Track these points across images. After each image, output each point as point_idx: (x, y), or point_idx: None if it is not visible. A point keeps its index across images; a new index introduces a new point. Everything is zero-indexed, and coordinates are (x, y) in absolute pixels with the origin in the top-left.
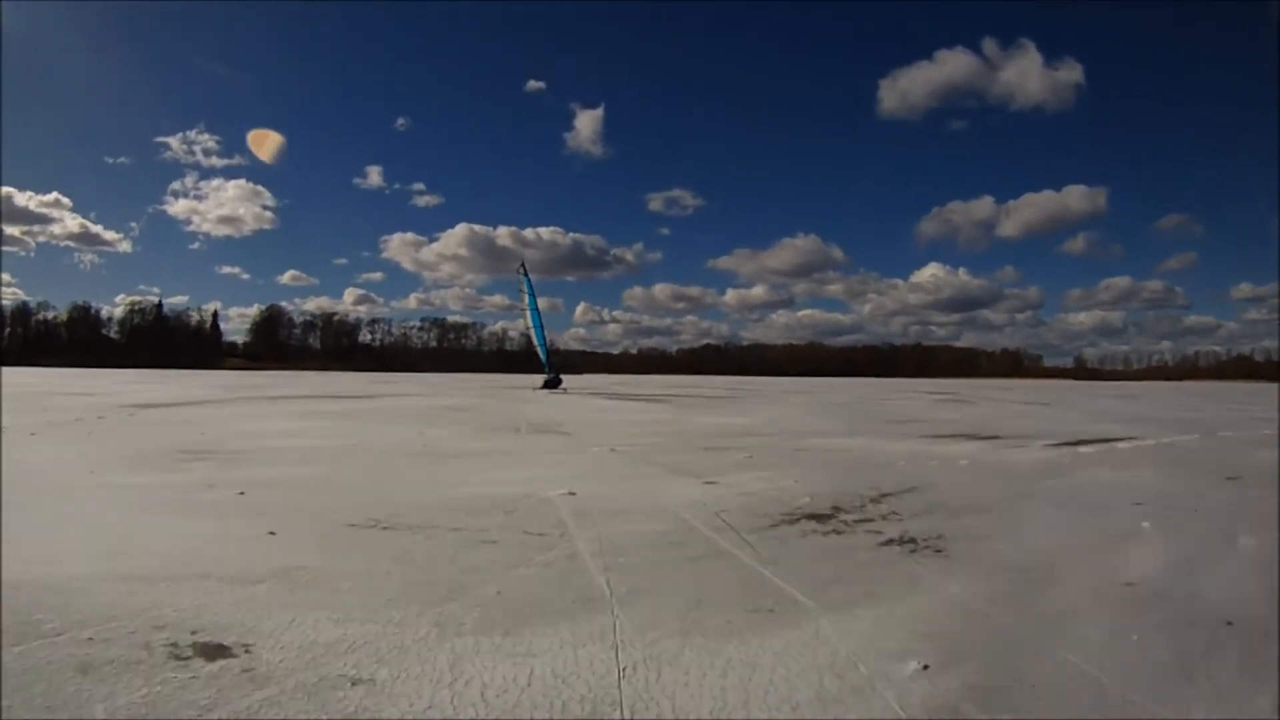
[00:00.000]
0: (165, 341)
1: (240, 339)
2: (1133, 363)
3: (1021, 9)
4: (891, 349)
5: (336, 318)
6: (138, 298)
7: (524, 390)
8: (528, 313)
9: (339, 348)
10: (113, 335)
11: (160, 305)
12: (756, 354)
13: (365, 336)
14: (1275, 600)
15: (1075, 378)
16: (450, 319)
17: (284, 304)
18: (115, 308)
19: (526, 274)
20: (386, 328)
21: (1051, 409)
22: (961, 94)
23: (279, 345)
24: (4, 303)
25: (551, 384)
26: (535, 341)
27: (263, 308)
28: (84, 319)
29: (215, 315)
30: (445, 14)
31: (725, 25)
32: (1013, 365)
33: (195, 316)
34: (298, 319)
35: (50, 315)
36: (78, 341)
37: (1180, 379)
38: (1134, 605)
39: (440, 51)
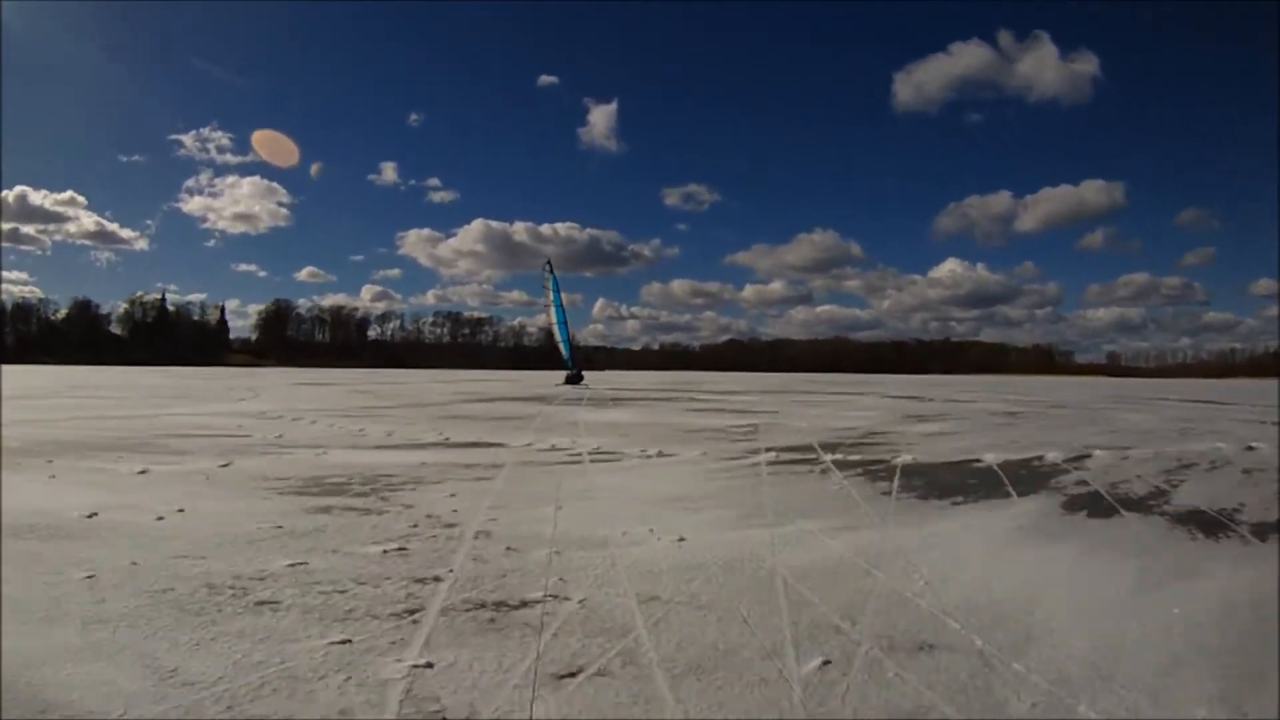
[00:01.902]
0: (168, 338)
1: (253, 335)
2: (1167, 359)
3: (1036, 1)
4: (920, 344)
5: (345, 312)
6: (143, 295)
7: (528, 413)
8: (552, 309)
9: (347, 343)
10: (118, 332)
11: (164, 300)
12: (781, 350)
13: (375, 332)
14: None
15: (1109, 374)
16: (467, 314)
17: (302, 300)
18: (124, 305)
19: (553, 272)
20: (399, 322)
21: None
22: (977, 86)
23: (286, 341)
24: (3, 299)
25: (573, 380)
26: (559, 339)
27: (269, 303)
28: (84, 316)
29: (223, 311)
30: (456, 8)
31: (738, 19)
32: (1044, 362)
33: (198, 312)
34: (307, 314)
35: (54, 313)
36: (78, 339)
37: (1220, 376)
38: None
39: (451, 45)
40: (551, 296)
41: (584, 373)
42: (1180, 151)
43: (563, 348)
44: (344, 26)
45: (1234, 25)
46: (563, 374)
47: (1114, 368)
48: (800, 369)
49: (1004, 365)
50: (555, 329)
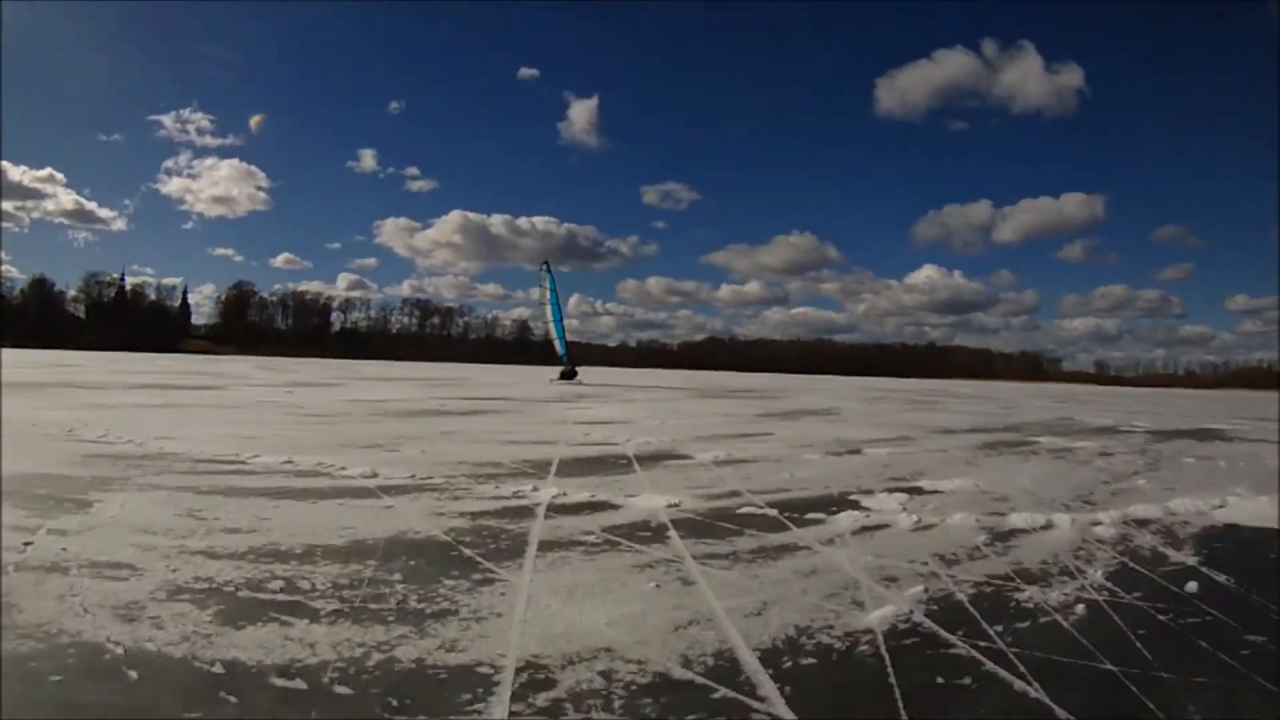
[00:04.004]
0: (126, 321)
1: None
2: (1158, 368)
3: (1022, 10)
4: (905, 348)
5: (309, 297)
6: (98, 275)
7: None
8: (548, 307)
9: (307, 330)
10: (78, 314)
11: (122, 281)
12: (760, 350)
13: (339, 319)
14: None
15: (1096, 383)
16: (437, 304)
17: (277, 286)
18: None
19: (550, 271)
20: (365, 310)
21: None
22: (961, 95)
23: (248, 327)
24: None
25: (568, 375)
26: (555, 335)
27: (230, 286)
28: (39, 296)
29: (185, 294)
30: None
31: (722, 20)
32: (1031, 369)
33: (160, 295)
34: (270, 299)
35: (11, 294)
36: (31, 320)
37: (1213, 388)
38: None
39: (433, 34)
40: (549, 295)
41: (577, 369)
42: (1160, 167)
43: (558, 344)
44: (325, 11)
45: (1221, 42)
46: (557, 370)
47: (1102, 376)
48: (782, 370)
49: (989, 371)
50: (551, 325)
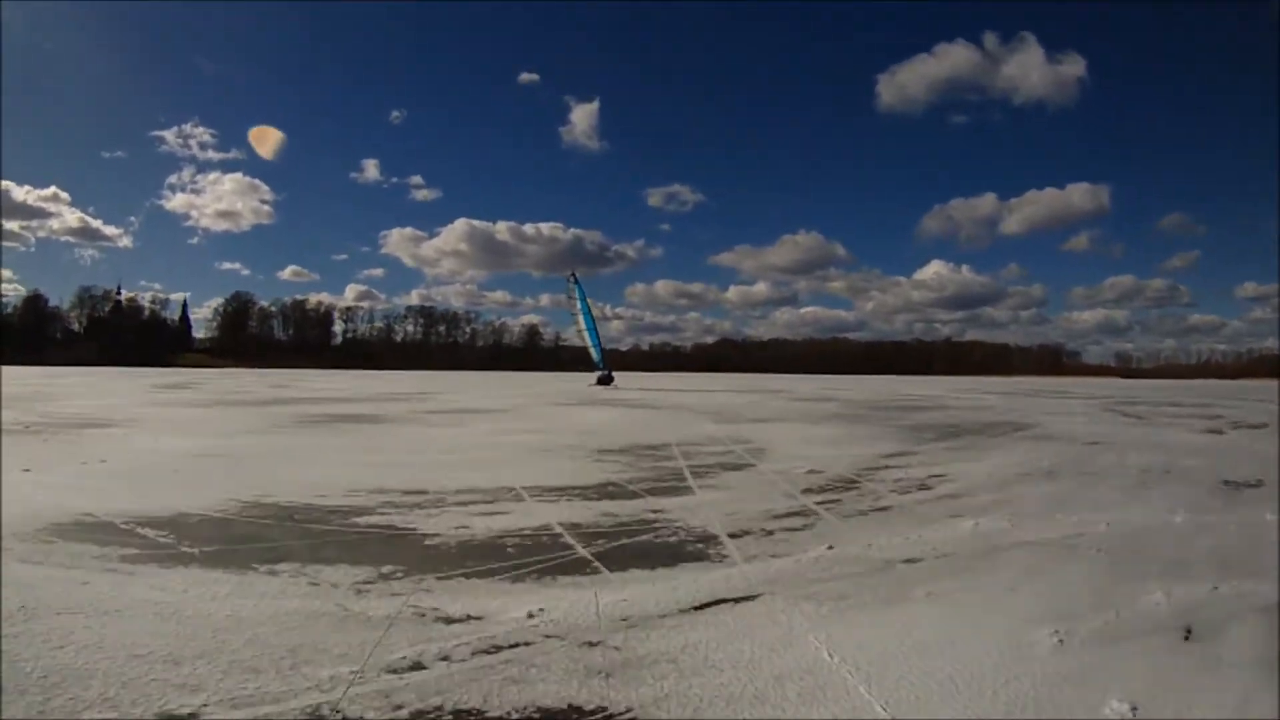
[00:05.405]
0: (122, 335)
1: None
2: (1180, 359)
3: (1022, 2)
4: (921, 344)
5: (309, 307)
6: (93, 289)
7: None
8: (580, 317)
9: (308, 341)
10: (76, 329)
11: (119, 293)
12: (774, 350)
13: (340, 328)
14: None
15: (1121, 376)
16: (442, 311)
17: (288, 297)
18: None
19: (578, 282)
20: (368, 318)
21: None
22: (962, 88)
23: (247, 339)
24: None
25: (605, 380)
26: (589, 343)
27: (228, 298)
28: (33, 311)
29: (185, 306)
30: (437, 5)
31: (721, 19)
32: (1053, 363)
33: (160, 309)
34: (270, 309)
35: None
36: (27, 335)
37: (1235, 377)
38: None
39: (432, 41)
40: (579, 305)
41: (613, 374)
42: (1165, 155)
43: (593, 351)
44: (325, 22)
45: (1222, 28)
46: (579, 376)
47: (1125, 369)
48: (797, 370)
49: (1007, 366)
50: (584, 334)
